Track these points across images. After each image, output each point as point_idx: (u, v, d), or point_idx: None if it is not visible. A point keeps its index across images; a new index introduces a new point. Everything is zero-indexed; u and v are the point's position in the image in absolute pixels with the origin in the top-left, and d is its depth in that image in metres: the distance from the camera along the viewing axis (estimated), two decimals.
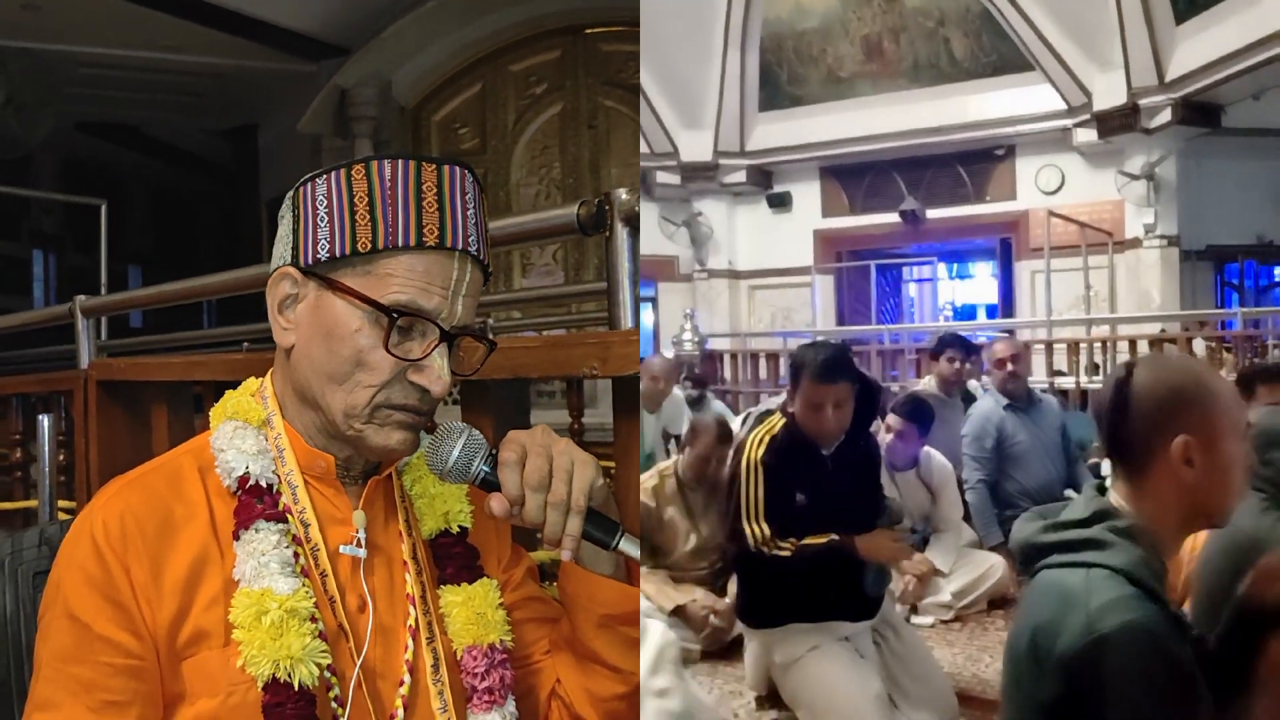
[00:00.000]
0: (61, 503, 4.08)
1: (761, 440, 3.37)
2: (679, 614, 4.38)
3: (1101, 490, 1.76)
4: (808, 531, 3.32)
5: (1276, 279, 13.16)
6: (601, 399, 7.76)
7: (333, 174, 1.42)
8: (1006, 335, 6.15)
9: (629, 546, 1.44)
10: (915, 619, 4.65)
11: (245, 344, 6.49)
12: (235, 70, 12.92)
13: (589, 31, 11.42)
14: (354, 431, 1.43)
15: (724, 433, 4.63)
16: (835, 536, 3.26)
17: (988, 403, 5.42)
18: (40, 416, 4.04)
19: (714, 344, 13.21)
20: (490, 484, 1.42)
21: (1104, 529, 1.65)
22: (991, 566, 4.83)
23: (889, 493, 4.80)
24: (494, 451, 1.43)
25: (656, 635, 3.13)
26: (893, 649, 3.55)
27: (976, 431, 5.28)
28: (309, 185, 1.43)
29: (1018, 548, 1.78)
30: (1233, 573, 1.89)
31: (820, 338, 12.40)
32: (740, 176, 14.52)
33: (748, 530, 3.30)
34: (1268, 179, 11.85)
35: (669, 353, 12.75)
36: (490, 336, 1.55)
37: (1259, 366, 6.03)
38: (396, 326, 1.38)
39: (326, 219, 1.40)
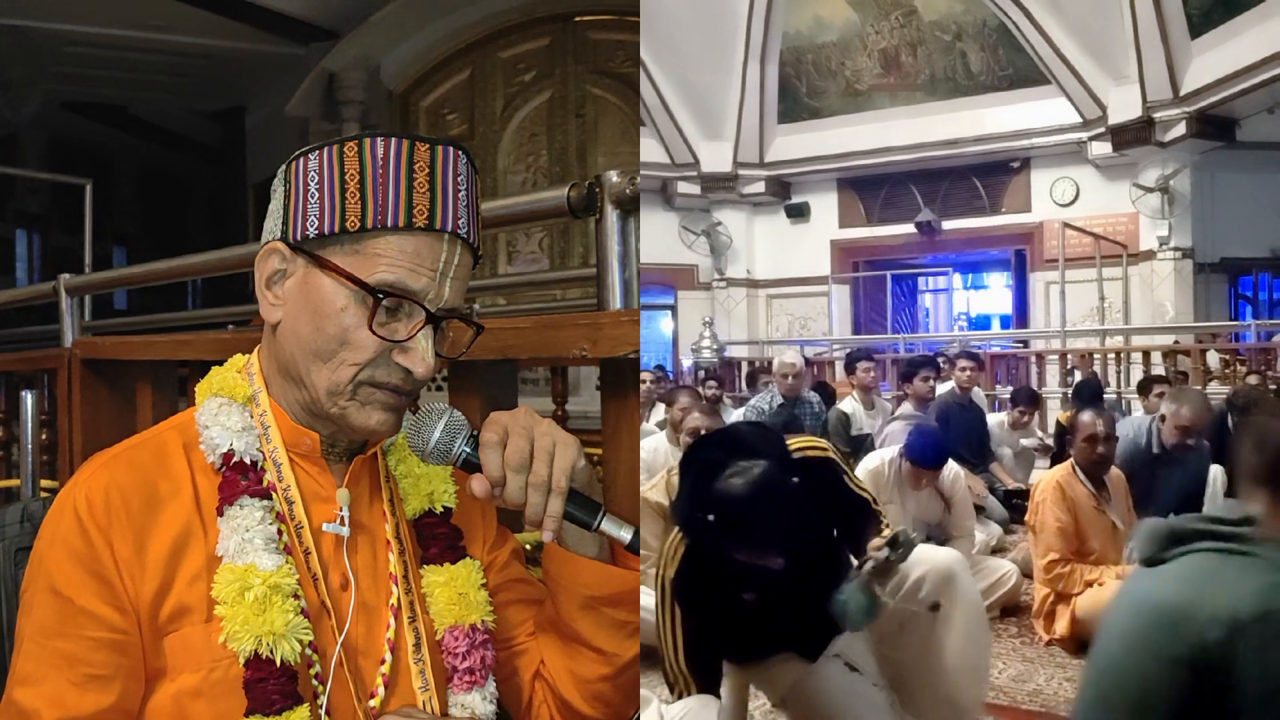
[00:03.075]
0: (44, 483, 4.07)
1: (676, 556, 2.68)
2: None
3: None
4: (763, 629, 2.83)
5: None
6: (585, 387, 7.64)
7: (325, 150, 1.41)
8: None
9: (612, 528, 1.42)
10: None
11: (230, 325, 6.45)
12: (224, 52, 12.88)
13: (579, 19, 11.42)
14: (337, 409, 1.42)
15: (707, 408, 4.65)
16: None
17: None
18: (24, 392, 4.02)
19: (732, 352, 13.27)
20: (472, 465, 1.41)
21: (1253, 530, 1.68)
22: (1005, 574, 4.84)
23: (905, 505, 4.81)
24: (476, 433, 1.42)
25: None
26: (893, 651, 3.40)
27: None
28: (301, 160, 1.42)
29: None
30: None
31: (838, 347, 12.52)
32: (759, 187, 14.66)
33: (670, 673, 2.75)
34: None
35: (687, 360, 12.82)
36: (477, 319, 1.53)
37: None
38: (383, 306, 1.38)
39: (317, 195, 1.39)
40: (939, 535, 4.88)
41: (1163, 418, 5.03)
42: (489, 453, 1.38)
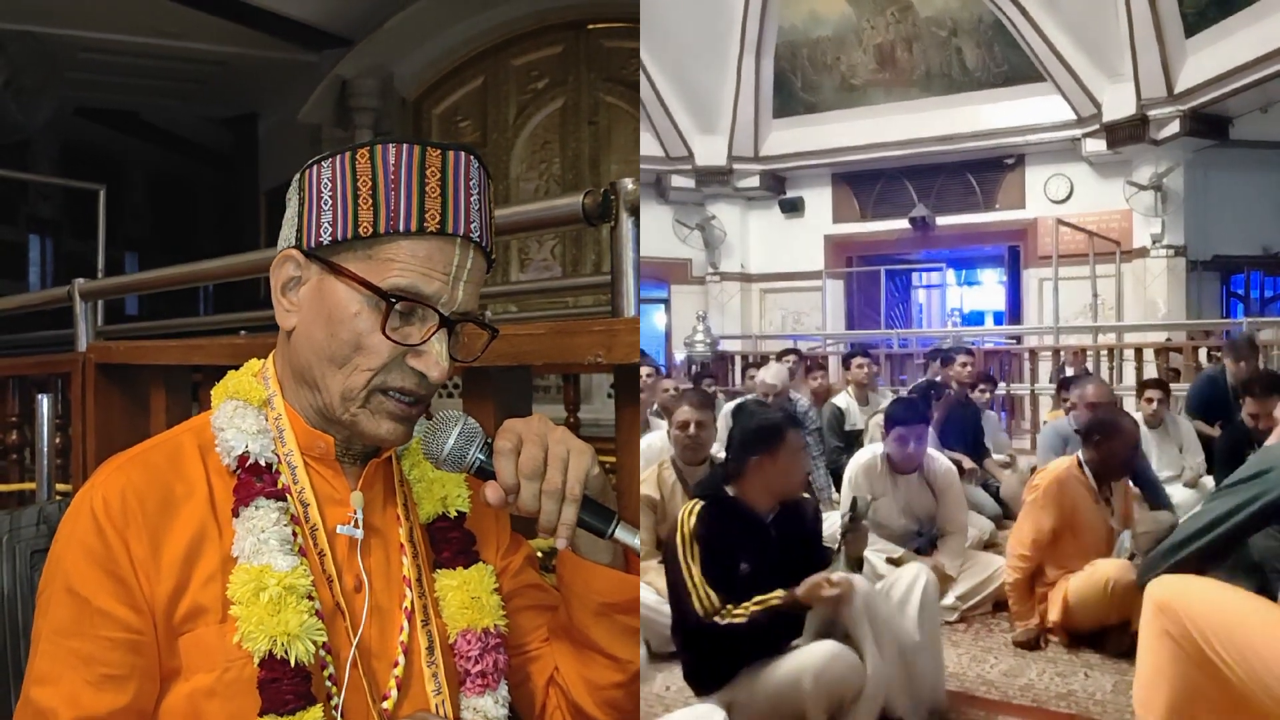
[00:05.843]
0: (58, 486, 4.07)
1: (692, 512, 3.19)
2: None
3: None
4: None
5: None
6: (596, 395, 7.62)
7: (338, 158, 1.42)
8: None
9: (626, 535, 1.43)
10: None
11: (242, 331, 6.45)
12: (237, 58, 12.85)
13: (591, 27, 11.41)
14: (349, 416, 1.43)
15: (702, 400, 4.66)
16: (781, 593, 3.06)
17: None
18: (40, 396, 4.03)
19: (725, 346, 13.26)
20: (486, 472, 1.42)
21: None
22: (997, 570, 4.79)
23: (895, 498, 4.83)
24: (489, 440, 1.43)
25: None
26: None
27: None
28: (315, 169, 1.43)
29: None
30: None
31: (831, 343, 12.52)
32: (754, 181, 14.57)
33: (695, 603, 3.10)
34: (1275, 191, 11.88)
35: (680, 353, 12.81)
36: (491, 323, 1.54)
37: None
38: (396, 311, 1.39)
39: (330, 202, 1.40)
40: (930, 529, 4.90)
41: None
42: (503, 460, 1.39)
